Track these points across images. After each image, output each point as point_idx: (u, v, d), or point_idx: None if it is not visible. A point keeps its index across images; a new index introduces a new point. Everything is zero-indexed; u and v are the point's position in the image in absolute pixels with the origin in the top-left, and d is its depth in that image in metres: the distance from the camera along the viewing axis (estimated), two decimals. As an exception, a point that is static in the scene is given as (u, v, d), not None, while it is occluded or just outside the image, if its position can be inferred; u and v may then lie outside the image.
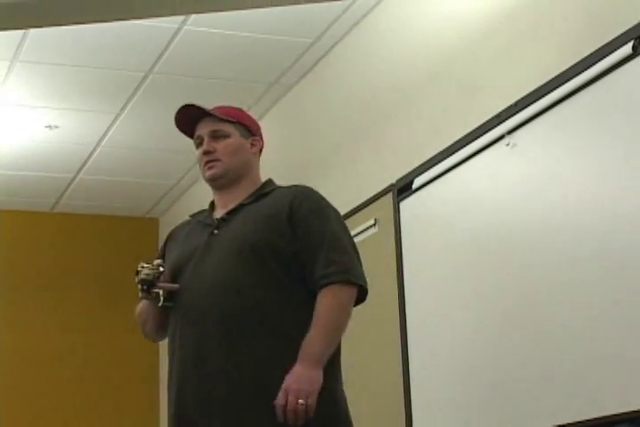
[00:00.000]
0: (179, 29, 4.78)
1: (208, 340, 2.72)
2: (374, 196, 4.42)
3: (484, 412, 3.52)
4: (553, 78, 3.27)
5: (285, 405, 2.58)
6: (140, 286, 2.81)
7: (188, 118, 2.96)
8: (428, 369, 3.88)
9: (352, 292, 2.74)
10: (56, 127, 5.86)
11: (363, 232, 4.44)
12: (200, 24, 4.73)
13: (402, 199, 4.15)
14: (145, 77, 5.28)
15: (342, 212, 4.64)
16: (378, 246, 4.30)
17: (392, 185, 4.26)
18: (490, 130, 3.57)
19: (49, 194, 6.98)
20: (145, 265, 2.82)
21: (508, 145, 3.47)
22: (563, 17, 3.34)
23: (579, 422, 3.02)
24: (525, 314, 3.32)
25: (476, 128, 3.66)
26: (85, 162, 6.40)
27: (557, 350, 3.16)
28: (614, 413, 2.89)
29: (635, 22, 2.94)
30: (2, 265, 7.13)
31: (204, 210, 3.01)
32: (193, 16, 4.61)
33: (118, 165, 6.48)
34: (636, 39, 2.91)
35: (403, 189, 4.15)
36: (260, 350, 2.69)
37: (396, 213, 4.17)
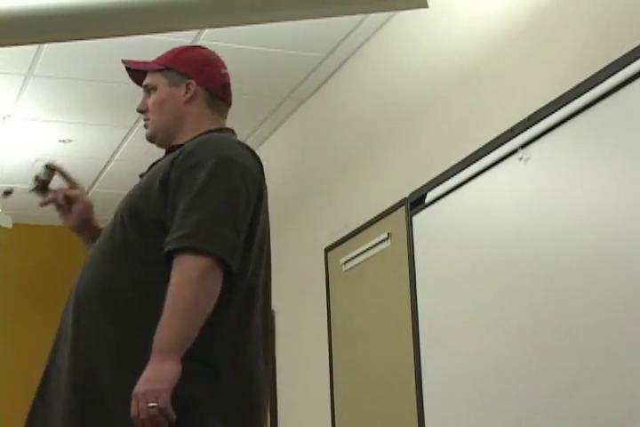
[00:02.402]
0: (192, 44, 4.77)
1: (64, 326, 2.35)
2: (387, 209, 4.40)
3: (497, 423, 3.50)
4: (566, 93, 3.25)
5: (138, 415, 2.09)
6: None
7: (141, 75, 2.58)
8: (441, 382, 3.85)
9: (200, 262, 2.17)
10: (70, 141, 5.87)
11: (376, 246, 4.43)
12: (213, 38, 4.72)
13: (415, 213, 4.13)
14: (158, 92, 5.28)
15: (356, 225, 4.67)
16: (391, 260, 4.28)
17: (405, 199, 4.24)
18: (503, 144, 3.55)
19: (63, 207, 6.98)
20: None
21: (520, 159, 3.45)
22: (575, 32, 3.33)
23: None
24: (539, 326, 3.29)
25: (489, 142, 3.64)
26: (99, 176, 6.41)
27: (570, 362, 3.13)
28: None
29: (649, 37, 2.93)
30: (16, 277, 7.15)
31: None
32: (206, 30, 4.61)
33: (131, 179, 6.44)
34: (648, 54, 2.90)
35: (415, 202, 4.13)
36: (93, 341, 2.24)
37: (409, 227, 4.15)
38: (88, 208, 2.67)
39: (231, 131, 2.54)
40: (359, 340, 4.53)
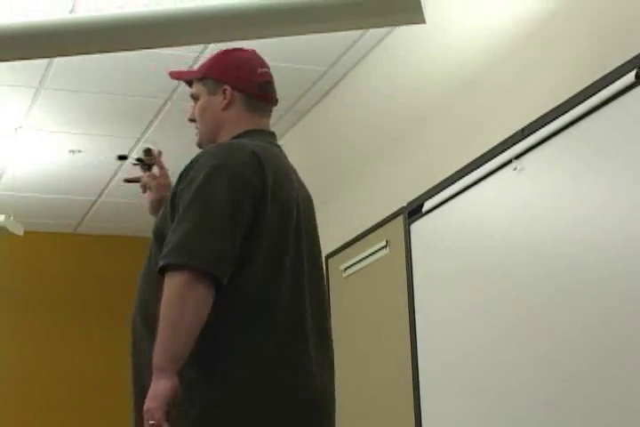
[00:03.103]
0: (198, 58, 4.80)
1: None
2: (386, 218, 4.42)
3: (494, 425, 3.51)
4: (558, 106, 3.27)
5: None
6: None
7: None
8: (439, 386, 3.86)
9: (181, 277, 2.15)
10: (79, 151, 5.89)
11: (375, 253, 4.44)
12: (218, 53, 4.75)
13: (412, 221, 4.15)
14: (165, 103, 5.30)
15: (355, 233, 4.68)
16: (389, 267, 4.30)
17: (403, 208, 4.26)
18: (498, 155, 3.57)
19: (72, 216, 7.00)
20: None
21: (515, 169, 3.47)
22: (568, 46, 3.35)
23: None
24: (534, 331, 3.30)
25: (485, 153, 3.66)
26: (107, 185, 6.43)
27: (563, 365, 3.14)
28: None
29: (637, 52, 2.94)
30: (27, 283, 7.16)
31: None
32: (211, 45, 4.63)
33: (139, 189, 6.49)
34: (639, 68, 2.91)
35: (413, 211, 4.15)
36: (141, 356, 2.31)
37: (407, 235, 4.17)
38: (162, 199, 2.63)
39: (260, 131, 2.51)
40: (358, 344, 4.55)
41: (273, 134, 2.55)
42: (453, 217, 3.87)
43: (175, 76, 2.65)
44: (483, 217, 3.67)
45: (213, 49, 4.66)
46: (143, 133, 5.66)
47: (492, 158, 3.60)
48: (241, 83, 2.49)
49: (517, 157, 3.46)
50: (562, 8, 3.40)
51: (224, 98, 2.48)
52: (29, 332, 7.07)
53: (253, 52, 2.59)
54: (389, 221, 4.39)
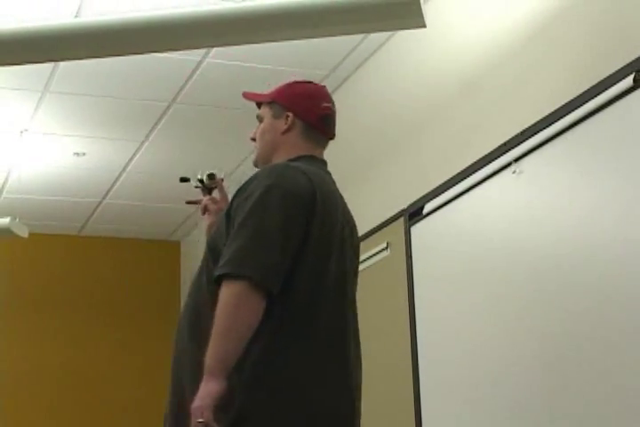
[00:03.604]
0: (200, 62, 4.80)
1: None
2: (387, 220, 4.42)
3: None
4: (557, 109, 3.27)
5: None
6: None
7: None
8: (439, 388, 3.85)
9: (235, 287, 2.29)
10: (84, 154, 5.89)
11: (376, 255, 4.44)
12: (220, 57, 4.75)
13: (413, 224, 4.15)
14: (168, 107, 5.30)
15: (356, 235, 4.67)
16: (390, 268, 4.29)
17: (403, 210, 4.26)
18: (497, 158, 3.56)
19: (76, 218, 7.00)
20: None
21: (514, 172, 3.47)
22: (566, 51, 3.35)
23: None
24: (535, 336, 3.30)
25: (484, 156, 3.66)
26: (111, 187, 6.43)
27: (567, 369, 3.14)
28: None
29: (635, 56, 2.94)
30: (32, 284, 7.16)
31: None
32: (214, 49, 4.64)
33: (142, 191, 6.50)
34: (637, 72, 2.91)
35: (414, 213, 4.15)
36: (185, 361, 2.44)
37: (408, 237, 4.17)
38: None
39: (312, 157, 2.66)
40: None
41: (324, 162, 2.71)
42: (453, 219, 3.87)
43: (249, 97, 2.79)
44: (482, 219, 3.67)
45: (216, 53, 4.67)
46: (147, 137, 5.66)
47: (491, 161, 3.60)
48: (303, 112, 2.65)
49: (516, 159, 3.45)
50: (560, 12, 3.39)
51: (285, 123, 2.64)
52: (34, 333, 7.06)
53: (323, 87, 2.76)
54: (390, 223, 4.38)
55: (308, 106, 2.66)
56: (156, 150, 5.83)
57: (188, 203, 3.05)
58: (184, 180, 3.06)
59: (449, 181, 3.90)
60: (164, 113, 5.36)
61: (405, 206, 4.24)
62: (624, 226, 2.91)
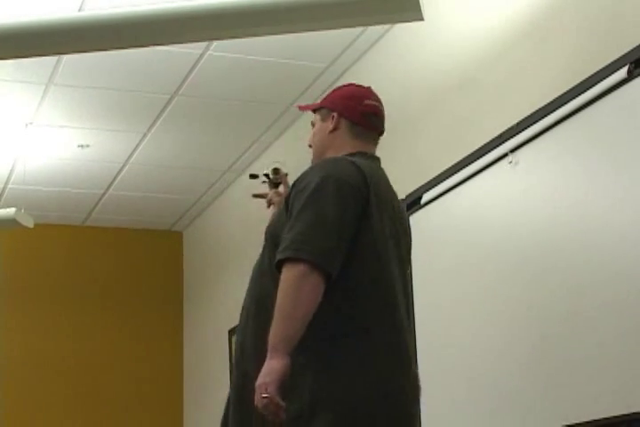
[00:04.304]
0: (202, 54, 4.80)
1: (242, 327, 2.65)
2: (385, 210, 4.42)
3: (492, 419, 3.51)
4: (552, 101, 3.28)
5: (258, 404, 2.34)
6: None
7: None
8: (438, 383, 3.86)
9: (296, 269, 2.37)
10: (87, 146, 5.89)
11: (374, 244, 4.44)
12: (222, 50, 4.75)
13: (411, 214, 4.15)
14: (171, 99, 5.30)
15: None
16: (388, 258, 4.30)
17: (402, 200, 4.25)
18: (493, 149, 3.57)
19: (81, 209, 7.00)
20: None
21: (510, 163, 3.48)
22: (561, 43, 3.35)
23: (587, 422, 3.00)
24: (533, 325, 3.31)
25: (481, 147, 3.67)
26: (114, 178, 6.43)
27: (566, 362, 3.15)
28: (624, 413, 2.86)
29: (629, 48, 2.94)
30: (37, 275, 7.17)
31: None
32: (215, 42, 4.64)
33: (145, 182, 6.50)
34: (631, 64, 2.92)
35: (412, 203, 4.15)
36: (251, 342, 2.54)
37: (406, 227, 4.17)
38: None
39: (363, 153, 2.71)
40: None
41: (375, 158, 2.77)
42: (451, 209, 3.88)
43: (302, 108, 2.92)
44: (479, 209, 3.68)
45: (218, 46, 4.67)
46: (149, 129, 5.66)
47: (488, 152, 3.61)
48: (347, 111, 2.72)
49: (512, 150, 3.46)
50: (556, 5, 3.40)
51: (331, 123, 2.72)
52: (38, 322, 7.07)
53: (368, 88, 2.82)
54: (388, 213, 4.39)
55: (350, 105, 2.73)
56: (158, 142, 5.84)
57: (255, 196, 3.11)
58: (253, 176, 3.14)
59: (446, 171, 3.90)
60: (167, 105, 5.37)
61: (404, 196, 4.24)
62: (617, 214, 2.92)
